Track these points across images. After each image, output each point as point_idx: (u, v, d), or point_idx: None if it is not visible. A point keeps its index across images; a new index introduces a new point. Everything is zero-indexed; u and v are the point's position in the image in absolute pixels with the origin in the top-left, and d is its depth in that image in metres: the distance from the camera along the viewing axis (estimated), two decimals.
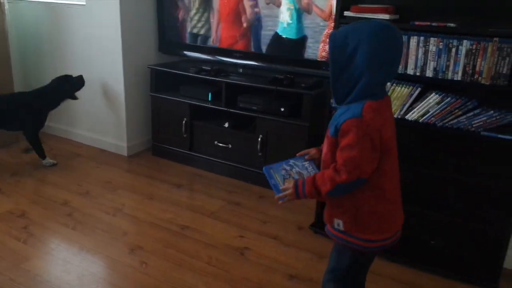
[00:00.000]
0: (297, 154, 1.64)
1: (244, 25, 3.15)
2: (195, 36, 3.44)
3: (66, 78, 3.37)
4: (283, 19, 2.99)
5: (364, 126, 1.33)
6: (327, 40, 2.79)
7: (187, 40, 3.47)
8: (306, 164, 1.60)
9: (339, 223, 1.47)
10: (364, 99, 1.37)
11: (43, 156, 3.33)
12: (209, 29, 3.35)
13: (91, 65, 3.54)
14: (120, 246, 2.38)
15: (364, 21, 1.44)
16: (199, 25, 3.38)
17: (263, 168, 1.58)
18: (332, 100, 2.34)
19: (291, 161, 1.61)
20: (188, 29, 3.44)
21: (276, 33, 3.04)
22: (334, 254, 1.59)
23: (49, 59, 3.83)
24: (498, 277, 2.11)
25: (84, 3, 3.44)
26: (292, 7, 2.94)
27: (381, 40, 1.35)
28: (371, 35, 1.34)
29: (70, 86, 3.38)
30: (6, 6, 3.55)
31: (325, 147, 1.48)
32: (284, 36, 3.02)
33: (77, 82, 3.40)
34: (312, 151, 1.62)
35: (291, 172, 1.57)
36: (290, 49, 3.03)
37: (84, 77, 3.42)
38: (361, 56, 1.34)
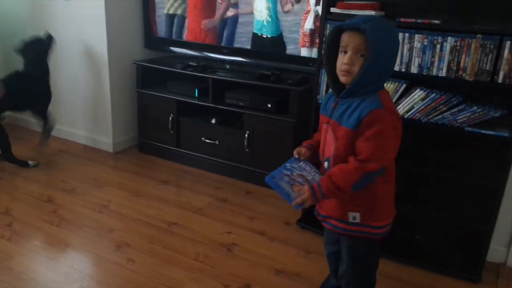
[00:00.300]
0: (296, 156, 1.62)
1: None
2: (171, 17, 3.42)
3: (35, 38, 3.23)
4: (261, 18, 3.00)
5: (388, 115, 1.37)
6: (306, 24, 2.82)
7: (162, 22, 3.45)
8: (302, 164, 1.57)
9: (355, 216, 1.47)
10: (375, 91, 1.41)
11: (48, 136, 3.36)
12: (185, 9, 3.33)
13: (76, 61, 3.50)
14: (106, 243, 2.37)
15: (381, 17, 1.53)
16: (176, 4, 3.36)
17: (266, 179, 1.55)
18: (318, 96, 2.35)
19: (288, 165, 1.58)
20: (165, 11, 3.41)
21: (254, 33, 3.06)
22: (346, 251, 1.57)
23: None
24: (481, 270, 2.15)
25: None
26: (270, 5, 2.95)
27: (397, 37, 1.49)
28: (395, 32, 1.44)
29: (42, 43, 3.22)
30: None
31: (335, 142, 1.46)
32: (264, 36, 3.03)
33: (47, 39, 3.25)
34: (302, 150, 1.61)
35: (293, 176, 1.54)
36: (271, 45, 3.02)
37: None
38: (395, 53, 1.44)
